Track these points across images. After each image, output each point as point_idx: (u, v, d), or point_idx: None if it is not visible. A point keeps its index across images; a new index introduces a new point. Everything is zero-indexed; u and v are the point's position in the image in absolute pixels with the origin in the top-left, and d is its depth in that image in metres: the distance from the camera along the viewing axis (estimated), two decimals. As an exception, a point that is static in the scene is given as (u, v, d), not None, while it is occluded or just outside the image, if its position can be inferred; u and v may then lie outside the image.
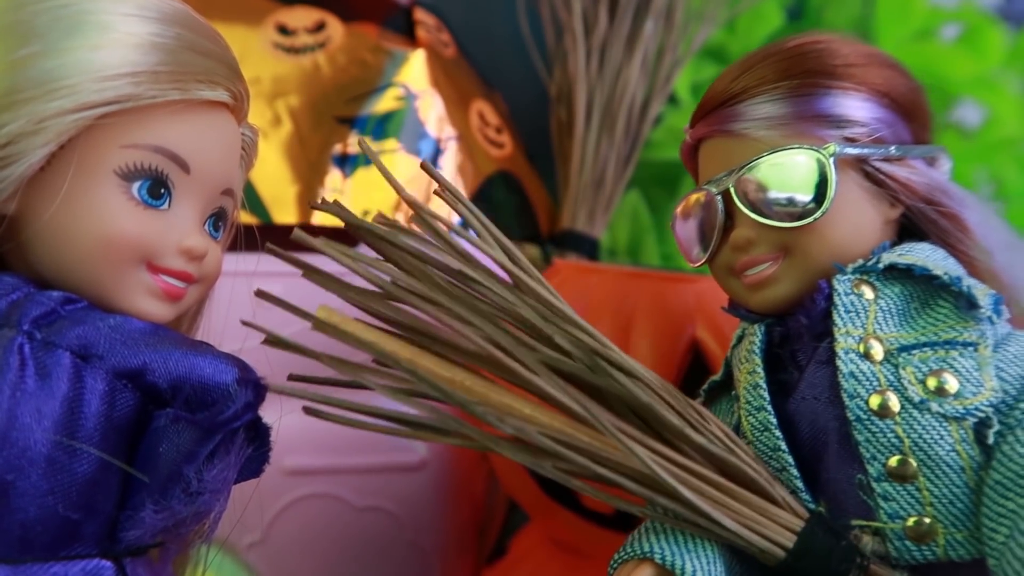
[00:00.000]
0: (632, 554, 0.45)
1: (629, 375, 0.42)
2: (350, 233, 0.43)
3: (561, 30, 0.96)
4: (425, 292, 0.41)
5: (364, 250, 0.42)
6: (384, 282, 0.41)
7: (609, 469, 0.42)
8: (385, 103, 0.77)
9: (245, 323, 0.40)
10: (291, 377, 0.43)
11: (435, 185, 0.45)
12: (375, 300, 0.42)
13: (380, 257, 0.42)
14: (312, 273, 0.42)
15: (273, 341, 0.40)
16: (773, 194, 0.47)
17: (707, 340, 0.63)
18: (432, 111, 0.78)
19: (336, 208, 0.43)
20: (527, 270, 0.43)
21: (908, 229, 0.50)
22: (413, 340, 0.42)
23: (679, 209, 0.52)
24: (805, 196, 0.46)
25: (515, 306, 0.42)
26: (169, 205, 0.43)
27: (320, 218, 0.72)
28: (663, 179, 0.99)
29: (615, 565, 0.46)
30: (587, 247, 0.92)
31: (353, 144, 0.75)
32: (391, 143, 0.76)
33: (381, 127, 0.76)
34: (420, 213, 0.42)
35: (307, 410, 0.42)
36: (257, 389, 0.40)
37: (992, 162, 1.00)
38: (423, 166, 0.45)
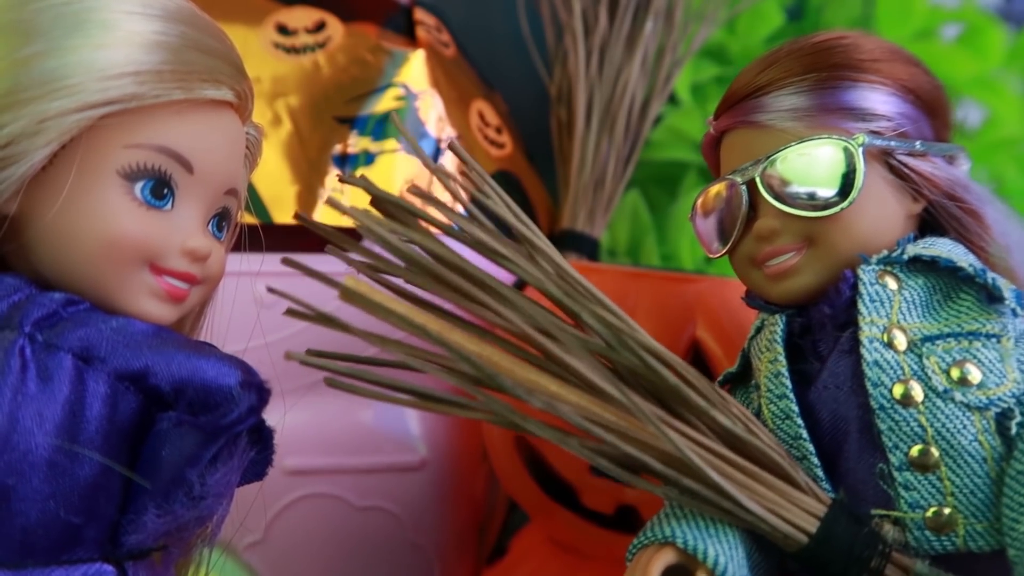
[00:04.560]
0: (653, 538, 0.45)
1: (656, 356, 0.42)
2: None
3: (561, 30, 0.96)
4: (457, 263, 0.41)
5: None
6: (415, 254, 0.40)
7: (636, 448, 0.41)
8: (385, 103, 0.77)
9: (271, 290, 0.40)
10: (310, 352, 0.42)
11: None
12: (403, 274, 0.42)
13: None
14: (336, 247, 0.41)
15: (297, 313, 0.39)
16: (799, 184, 0.47)
17: (707, 340, 0.63)
18: (432, 111, 0.78)
19: (364, 182, 0.42)
20: (551, 249, 0.43)
21: (928, 224, 0.50)
22: (441, 316, 0.42)
23: (699, 202, 0.52)
24: (831, 187, 0.46)
25: (542, 282, 0.42)
26: (172, 205, 0.42)
27: (321, 214, 0.71)
28: (663, 179, 0.99)
29: (634, 550, 0.45)
30: (587, 247, 0.92)
31: (353, 144, 0.75)
32: (391, 143, 0.75)
33: (381, 127, 0.76)
34: (446, 182, 0.42)
35: (329, 382, 0.42)
36: (261, 392, 0.39)
37: (992, 162, 1.00)
38: (450, 145, 0.44)
